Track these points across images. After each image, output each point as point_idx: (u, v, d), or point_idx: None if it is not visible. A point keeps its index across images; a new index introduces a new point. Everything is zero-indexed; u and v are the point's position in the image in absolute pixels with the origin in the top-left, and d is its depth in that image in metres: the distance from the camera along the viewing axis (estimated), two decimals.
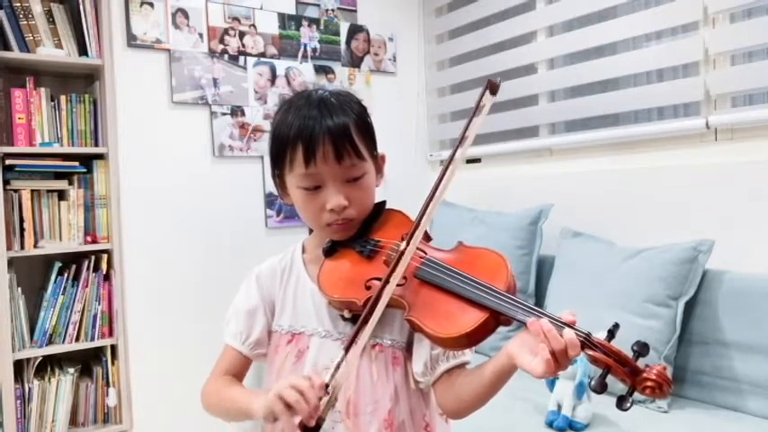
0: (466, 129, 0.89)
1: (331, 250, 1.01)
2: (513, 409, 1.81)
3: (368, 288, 0.92)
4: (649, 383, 0.75)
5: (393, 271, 0.88)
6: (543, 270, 2.40)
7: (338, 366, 0.85)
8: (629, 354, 0.78)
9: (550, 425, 1.71)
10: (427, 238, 0.98)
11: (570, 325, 0.78)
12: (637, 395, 0.77)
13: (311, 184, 0.97)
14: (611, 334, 0.79)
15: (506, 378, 0.87)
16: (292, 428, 1.02)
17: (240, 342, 1.07)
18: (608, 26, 2.37)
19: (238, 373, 1.09)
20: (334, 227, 1.00)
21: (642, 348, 0.77)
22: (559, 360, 0.77)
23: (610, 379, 0.76)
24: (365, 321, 0.87)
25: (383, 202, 1.06)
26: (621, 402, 0.75)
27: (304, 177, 0.97)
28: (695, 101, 2.11)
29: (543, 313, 0.80)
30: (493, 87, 0.88)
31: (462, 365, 0.96)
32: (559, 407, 1.72)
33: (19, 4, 2.26)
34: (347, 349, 0.86)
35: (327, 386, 0.84)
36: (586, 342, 0.78)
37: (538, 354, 0.78)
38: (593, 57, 2.45)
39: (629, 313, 1.87)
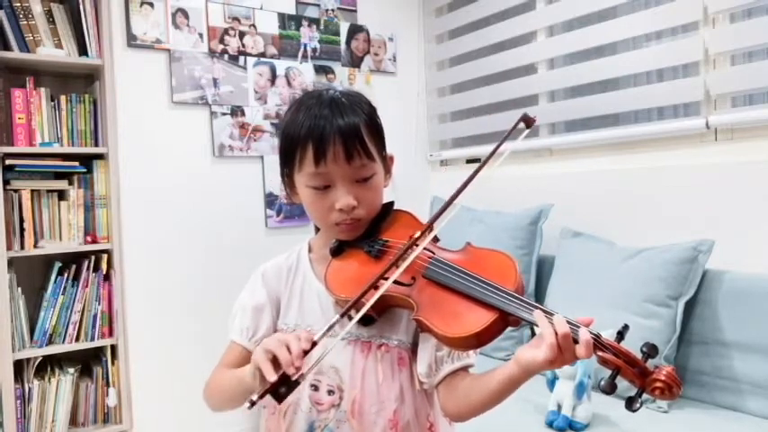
0: (498, 146, 0.97)
1: (338, 250, 1.01)
2: (513, 409, 1.79)
3: (375, 288, 0.92)
4: (659, 384, 0.75)
5: (396, 261, 0.89)
6: (543, 270, 2.40)
7: (331, 327, 0.84)
8: (639, 355, 0.78)
9: (550, 425, 1.72)
10: (435, 238, 0.97)
11: (583, 325, 0.79)
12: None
13: (320, 183, 0.97)
14: (621, 335, 0.79)
15: (513, 387, 0.86)
16: (290, 423, 1.02)
17: (247, 338, 1.06)
18: (608, 26, 2.37)
19: None
20: (342, 226, 1.00)
21: (651, 350, 0.78)
22: (563, 348, 0.77)
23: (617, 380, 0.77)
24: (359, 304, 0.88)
25: (391, 203, 1.06)
26: (631, 403, 0.76)
27: (313, 176, 0.97)
28: (695, 101, 2.12)
29: (553, 314, 0.80)
30: (528, 122, 0.97)
31: (466, 368, 0.96)
32: (559, 407, 1.73)
33: (19, 4, 2.25)
34: (343, 314, 0.86)
35: (315, 343, 0.83)
36: (597, 343, 0.78)
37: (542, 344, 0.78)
38: (593, 57, 2.46)
39: (630, 313, 1.87)
